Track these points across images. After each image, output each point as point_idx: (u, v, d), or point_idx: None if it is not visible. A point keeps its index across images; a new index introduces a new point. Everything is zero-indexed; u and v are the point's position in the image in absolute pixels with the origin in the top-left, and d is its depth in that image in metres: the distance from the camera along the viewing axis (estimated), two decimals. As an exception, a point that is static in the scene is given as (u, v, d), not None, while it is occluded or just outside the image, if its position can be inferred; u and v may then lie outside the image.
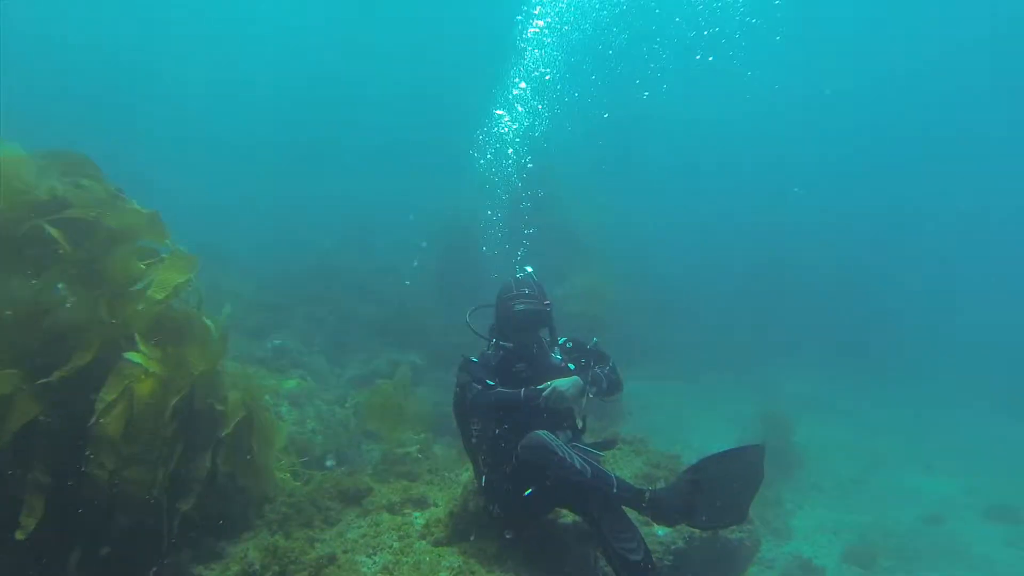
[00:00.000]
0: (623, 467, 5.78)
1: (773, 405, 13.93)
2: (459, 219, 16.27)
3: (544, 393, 4.17)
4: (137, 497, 4.37)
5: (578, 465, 3.86)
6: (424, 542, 4.29)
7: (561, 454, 3.86)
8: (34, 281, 4.50)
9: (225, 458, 5.04)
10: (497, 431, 4.41)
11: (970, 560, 9.62)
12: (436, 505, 4.87)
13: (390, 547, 4.20)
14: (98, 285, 4.72)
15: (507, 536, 4.19)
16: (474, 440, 4.55)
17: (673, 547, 4.68)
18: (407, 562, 3.95)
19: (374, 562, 4.04)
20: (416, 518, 4.69)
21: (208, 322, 5.10)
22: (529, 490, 4.02)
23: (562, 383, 4.21)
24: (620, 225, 21.43)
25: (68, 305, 4.58)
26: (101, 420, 4.36)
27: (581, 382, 4.25)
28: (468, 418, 4.59)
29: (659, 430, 12.66)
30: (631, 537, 3.89)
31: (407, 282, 15.65)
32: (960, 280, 34.06)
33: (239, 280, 15.37)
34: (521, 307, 4.54)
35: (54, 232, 4.49)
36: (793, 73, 35.61)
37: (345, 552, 4.12)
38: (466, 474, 5.59)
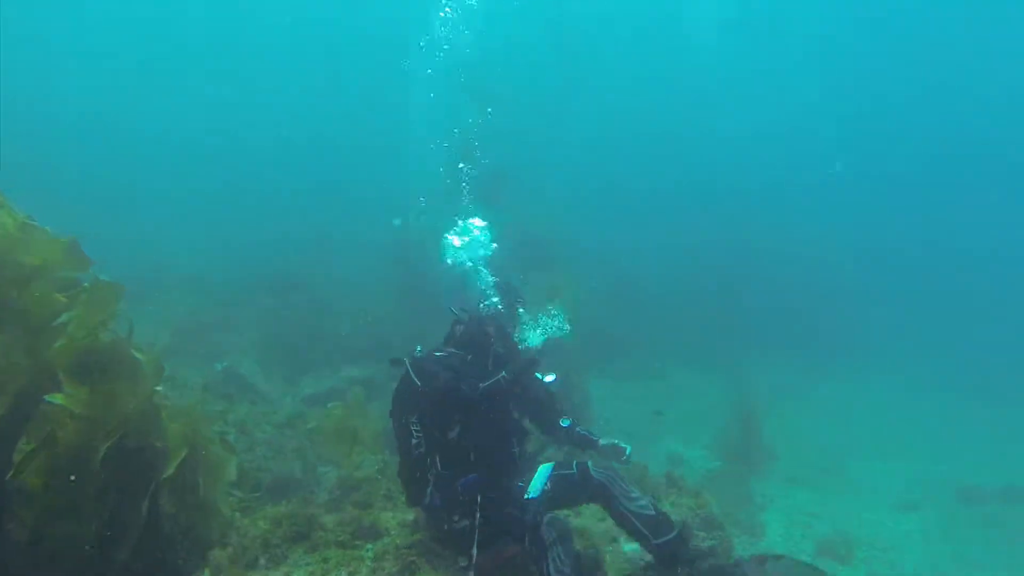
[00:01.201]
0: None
1: (741, 398, 13.90)
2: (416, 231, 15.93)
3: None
4: (65, 555, 4.06)
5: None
6: (375, 578, 4.06)
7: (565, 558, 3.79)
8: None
9: (168, 499, 4.75)
10: (454, 434, 4.25)
11: (946, 543, 9.64)
12: (389, 534, 4.63)
13: (339, 587, 3.97)
14: (13, 324, 4.40)
15: (461, 565, 4.00)
16: (414, 442, 4.32)
17: (642, 562, 4.50)
18: (355, 604, 3.72)
19: (321, 606, 3.80)
20: (367, 551, 4.44)
21: (138, 355, 4.77)
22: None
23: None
24: (584, 226, 21.39)
25: (-21, 349, 4.25)
26: (19, 473, 4.05)
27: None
28: (409, 419, 4.40)
29: (629, 431, 12.56)
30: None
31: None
32: (923, 275, 34.65)
33: (188, 299, 14.93)
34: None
35: (-48, 273, 4.16)
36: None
37: (291, 596, 3.88)
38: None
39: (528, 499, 4.10)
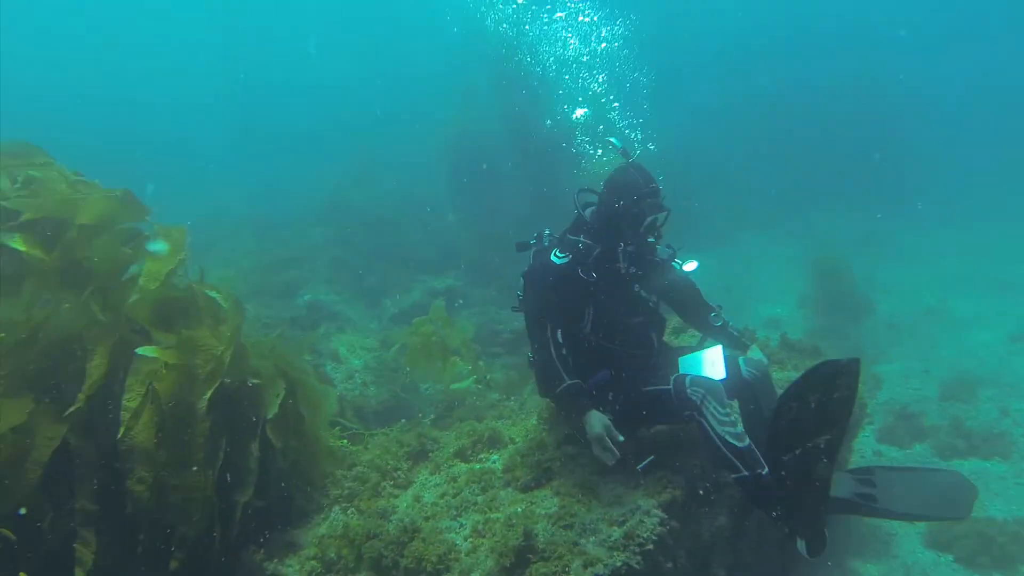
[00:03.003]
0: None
1: (822, 252, 13.16)
2: (472, 127, 15.32)
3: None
4: (191, 504, 3.97)
5: (737, 433, 3.55)
6: (510, 489, 3.83)
7: (724, 423, 3.55)
8: (13, 299, 4.00)
9: (275, 435, 4.62)
10: (584, 326, 3.96)
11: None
12: (513, 441, 4.38)
13: (474, 503, 3.75)
14: (85, 284, 4.21)
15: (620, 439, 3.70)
16: (549, 335, 3.93)
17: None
18: (497, 519, 3.48)
19: (461, 525, 3.59)
20: (495, 462, 4.21)
21: (213, 294, 4.56)
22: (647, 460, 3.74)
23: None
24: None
25: (60, 314, 4.08)
26: (130, 431, 3.94)
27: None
28: (540, 307, 4.01)
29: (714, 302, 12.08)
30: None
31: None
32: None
33: (255, 242, 14.89)
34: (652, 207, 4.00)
35: (17, 243, 3.95)
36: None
37: (427, 519, 3.68)
38: (533, 399, 5.11)
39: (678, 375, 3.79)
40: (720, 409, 3.55)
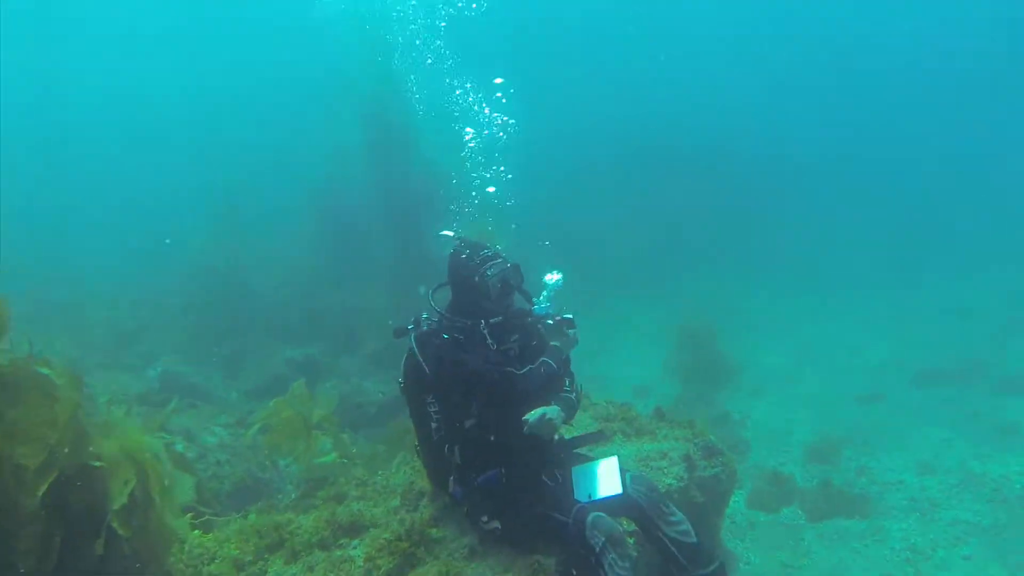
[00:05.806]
0: (571, 426, 5.34)
1: (690, 316, 13.81)
2: (338, 193, 15.23)
3: (531, 421, 3.63)
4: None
5: None
6: (371, 580, 3.70)
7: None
8: None
9: (122, 526, 4.22)
10: (474, 422, 3.78)
11: (912, 431, 9.89)
12: (375, 526, 4.26)
13: (332, 596, 3.59)
14: None
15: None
16: (434, 426, 3.87)
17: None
18: (357, 613, 3.36)
19: (317, 622, 3.43)
20: (355, 549, 4.07)
21: (44, 370, 4.14)
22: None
23: (551, 411, 3.72)
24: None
25: None
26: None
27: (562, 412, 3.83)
28: (426, 402, 3.90)
29: (583, 368, 12.38)
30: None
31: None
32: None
33: (107, 310, 13.97)
34: (495, 271, 3.89)
35: None
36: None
37: (280, 616, 3.49)
38: (398, 476, 5.02)
39: (577, 500, 3.68)
40: (619, 562, 3.38)
